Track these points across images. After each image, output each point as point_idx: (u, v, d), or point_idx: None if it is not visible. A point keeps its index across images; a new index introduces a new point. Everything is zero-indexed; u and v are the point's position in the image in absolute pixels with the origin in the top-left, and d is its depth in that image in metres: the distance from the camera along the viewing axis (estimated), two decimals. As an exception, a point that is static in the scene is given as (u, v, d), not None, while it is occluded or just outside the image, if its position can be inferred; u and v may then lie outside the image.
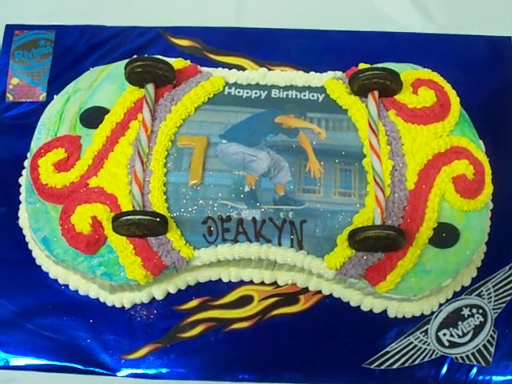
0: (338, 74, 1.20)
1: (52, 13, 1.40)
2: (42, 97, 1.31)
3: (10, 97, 1.32)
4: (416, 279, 1.09)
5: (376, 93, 1.14)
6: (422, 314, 1.18)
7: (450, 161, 1.13)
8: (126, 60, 1.16)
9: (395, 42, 1.37)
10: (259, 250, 1.10)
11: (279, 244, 1.10)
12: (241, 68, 1.30)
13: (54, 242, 1.11)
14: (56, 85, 1.28)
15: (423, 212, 1.10)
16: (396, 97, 1.16)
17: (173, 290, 1.19)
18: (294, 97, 1.18)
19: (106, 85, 1.20)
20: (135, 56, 1.15)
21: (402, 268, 1.08)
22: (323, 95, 1.18)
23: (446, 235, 1.10)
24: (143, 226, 1.05)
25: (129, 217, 1.04)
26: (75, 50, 1.37)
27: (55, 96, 1.22)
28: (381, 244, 1.05)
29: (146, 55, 1.15)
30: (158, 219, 1.05)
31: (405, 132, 1.14)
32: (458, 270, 1.11)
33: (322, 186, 1.11)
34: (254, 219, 1.10)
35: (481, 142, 1.19)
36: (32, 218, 1.13)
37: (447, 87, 1.18)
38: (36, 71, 1.33)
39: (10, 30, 1.38)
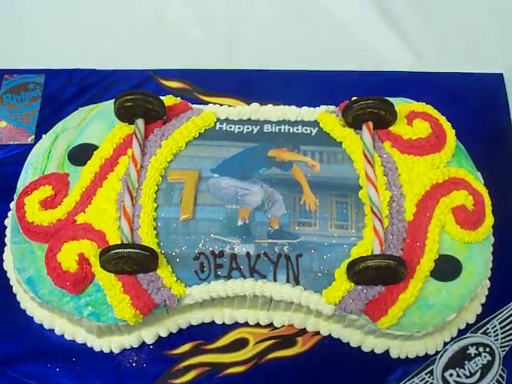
0: (331, 108, 1.19)
1: (42, 57, 1.40)
2: (31, 139, 1.29)
3: (-3, 140, 1.30)
4: (419, 314, 1.04)
5: (370, 123, 1.12)
6: (427, 354, 1.12)
7: (448, 191, 1.10)
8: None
9: (386, 81, 1.37)
10: (254, 285, 1.05)
11: (275, 279, 1.05)
12: (232, 108, 1.28)
13: (39, 282, 1.06)
14: (45, 127, 1.23)
15: (423, 243, 1.06)
16: (391, 128, 1.14)
17: (164, 334, 1.13)
18: (286, 131, 1.16)
19: (95, 123, 1.18)
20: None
21: (404, 302, 1.03)
22: (316, 129, 1.16)
23: (447, 268, 1.06)
24: (132, 261, 1.00)
25: (117, 250, 0.99)
26: (64, 93, 1.36)
27: (43, 135, 1.20)
28: (381, 275, 1.00)
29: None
30: (148, 253, 1.01)
31: (401, 163, 1.11)
32: (462, 304, 1.06)
33: (317, 219, 1.08)
34: (247, 254, 1.06)
35: (479, 173, 1.17)
36: (17, 258, 1.09)
37: (442, 119, 1.16)
38: (24, 114, 1.32)
39: (0, 74, 1.38)
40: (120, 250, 1.00)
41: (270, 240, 1.07)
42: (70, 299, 1.05)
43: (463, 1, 1.52)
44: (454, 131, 1.16)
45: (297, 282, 1.05)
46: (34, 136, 1.30)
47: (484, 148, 1.29)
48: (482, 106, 1.36)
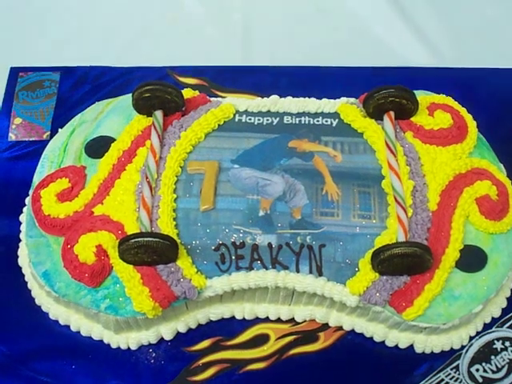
0: (352, 100, 1.18)
1: (57, 55, 1.40)
2: (46, 135, 1.27)
3: (12, 136, 1.28)
4: (445, 305, 1.02)
5: (392, 113, 1.11)
6: (452, 349, 1.09)
7: (471, 182, 1.08)
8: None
9: (404, 77, 1.35)
10: (276, 276, 1.02)
11: (297, 270, 1.03)
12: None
13: (55, 275, 1.04)
14: (60, 124, 1.21)
15: (448, 233, 1.04)
16: (412, 119, 1.13)
17: (182, 329, 1.11)
18: (307, 122, 1.15)
19: (112, 116, 1.17)
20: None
21: (430, 292, 1.01)
22: (337, 120, 1.15)
23: (473, 258, 1.04)
24: (152, 250, 0.98)
25: (137, 239, 0.97)
26: (80, 90, 1.35)
27: (60, 129, 1.19)
28: (407, 263, 0.98)
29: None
30: (168, 242, 0.98)
31: (423, 153, 1.10)
32: (489, 295, 1.04)
33: (340, 209, 1.06)
34: (269, 245, 1.04)
35: (501, 165, 1.15)
36: (32, 252, 1.07)
37: (463, 111, 1.15)
38: (40, 111, 1.30)
39: (15, 72, 1.36)
40: (139, 239, 0.98)
41: (293, 230, 1.05)
42: (86, 292, 1.03)
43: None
44: (475, 123, 1.15)
45: (320, 273, 1.03)
46: (49, 132, 1.28)
47: (503, 143, 1.27)
48: (500, 101, 1.35)
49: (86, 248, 1.02)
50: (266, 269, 1.03)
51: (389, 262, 0.98)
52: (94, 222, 1.05)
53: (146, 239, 0.98)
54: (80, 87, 1.35)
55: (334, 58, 1.40)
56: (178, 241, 1.03)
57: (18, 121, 1.30)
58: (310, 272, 1.03)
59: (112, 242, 1.03)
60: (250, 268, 1.04)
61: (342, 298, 1.03)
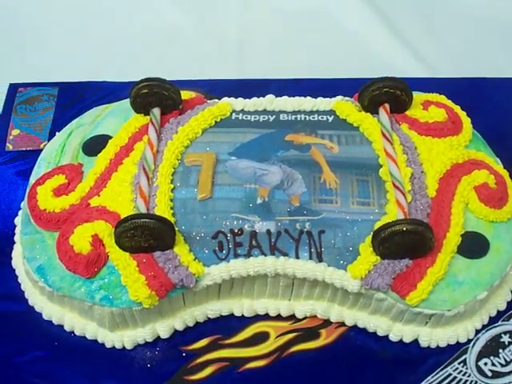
0: (347, 98, 1.19)
1: (56, 71, 1.43)
2: (43, 145, 1.27)
3: (9, 146, 1.28)
4: (449, 291, 1.00)
5: (387, 105, 1.12)
6: (458, 342, 1.06)
7: (469, 171, 1.08)
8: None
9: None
10: (275, 262, 1.00)
11: (297, 257, 1.01)
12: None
13: (49, 269, 1.02)
14: (58, 134, 1.24)
15: (448, 218, 1.03)
16: (407, 112, 1.14)
17: (179, 327, 1.07)
18: (303, 119, 1.16)
19: (110, 118, 1.18)
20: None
21: (433, 276, 0.98)
22: (333, 117, 1.16)
23: (475, 244, 1.03)
24: (148, 232, 0.96)
25: (133, 220, 0.96)
26: (78, 102, 1.36)
27: (57, 133, 1.19)
28: (408, 241, 0.96)
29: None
30: (165, 224, 0.97)
31: (420, 143, 1.11)
32: (493, 282, 1.02)
33: (339, 196, 1.05)
34: (268, 231, 1.02)
35: (498, 158, 1.15)
36: (27, 249, 1.05)
37: (456, 108, 1.17)
38: (38, 122, 1.31)
39: (14, 88, 1.38)
40: (136, 220, 0.96)
41: (291, 217, 1.03)
42: (81, 284, 1.00)
43: (465, 16, 1.57)
44: (469, 119, 1.16)
45: (320, 259, 1.01)
46: (46, 142, 1.28)
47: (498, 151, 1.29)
48: (494, 110, 1.36)
49: (81, 238, 1.01)
50: (265, 256, 1.01)
51: (390, 240, 0.96)
52: (90, 212, 1.04)
53: (142, 220, 0.96)
54: (78, 101, 1.36)
55: (328, 70, 1.42)
56: (176, 229, 1.02)
57: (15, 132, 1.30)
58: (310, 258, 1.01)
59: (108, 231, 1.01)
60: (249, 255, 1.02)
61: (344, 283, 1.00)
